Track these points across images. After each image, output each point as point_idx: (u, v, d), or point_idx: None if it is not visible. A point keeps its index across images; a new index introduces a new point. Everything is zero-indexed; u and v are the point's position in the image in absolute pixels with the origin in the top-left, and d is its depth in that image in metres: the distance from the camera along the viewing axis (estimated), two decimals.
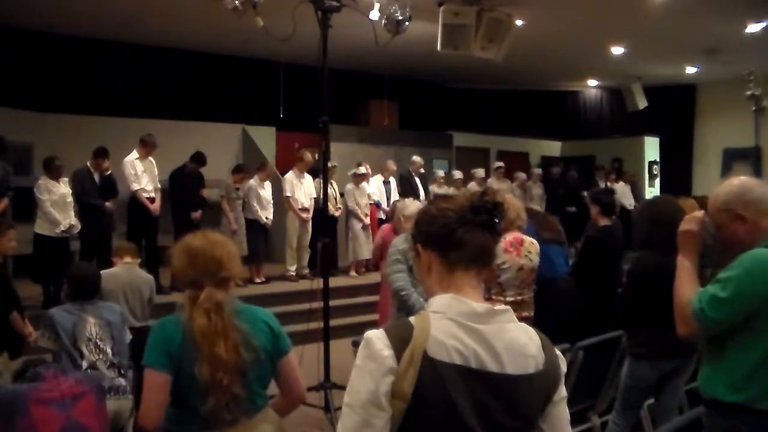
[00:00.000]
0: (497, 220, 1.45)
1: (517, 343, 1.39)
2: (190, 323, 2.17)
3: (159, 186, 7.84)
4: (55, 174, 6.92)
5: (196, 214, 7.98)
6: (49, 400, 2.29)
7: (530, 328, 1.45)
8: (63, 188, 6.99)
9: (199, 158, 8.14)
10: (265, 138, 10.90)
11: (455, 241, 1.43)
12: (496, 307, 1.41)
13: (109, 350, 3.49)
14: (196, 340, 2.14)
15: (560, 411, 1.45)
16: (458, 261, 1.44)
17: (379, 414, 1.32)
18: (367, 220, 9.32)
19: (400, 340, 1.35)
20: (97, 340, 3.46)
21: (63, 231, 6.85)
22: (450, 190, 10.80)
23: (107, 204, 7.23)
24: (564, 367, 1.47)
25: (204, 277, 2.23)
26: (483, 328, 1.37)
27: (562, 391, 1.46)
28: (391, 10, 5.91)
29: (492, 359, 1.35)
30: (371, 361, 1.34)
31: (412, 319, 1.40)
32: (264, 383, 2.30)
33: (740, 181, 2.30)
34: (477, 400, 1.34)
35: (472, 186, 11.02)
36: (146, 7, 8.18)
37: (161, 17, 8.66)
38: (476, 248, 1.43)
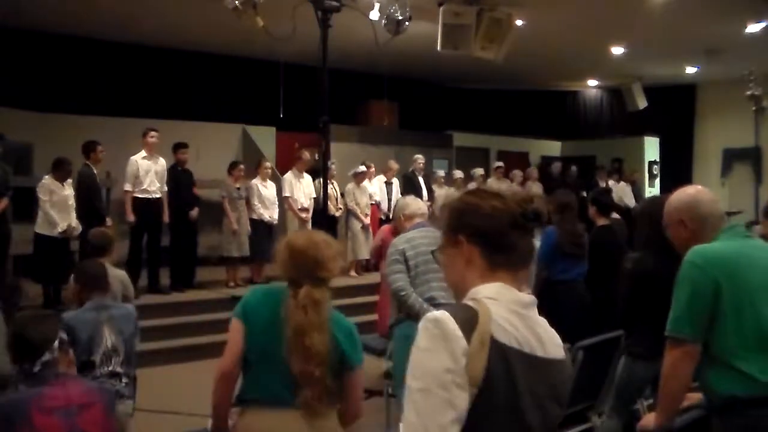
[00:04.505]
0: (536, 227, 1.50)
1: (550, 331, 1.45)
2: (287, 319, 2.32)
3: (166, 188, 7.78)
4: (61, 176, 6.91)
5: (194, 213, 7.96)
6: (52, 408, 2.20)
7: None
8: (67, 190, 6.97)
9: (179, 145, 8.04)
10: (265, 138, 10.89)
11: (506, 244, 1.45)
12: (534, 298, 1.47)
13: (119, 360, 3.43)
14: (290, 335, 2.30)
15: None
16: (504, 262, 1.46)
17: (461, 394, 1.27)
18: (367, 220, 9.31)
19: (466, 323, 1.32)
20: (111, 352, 3.40)
21: (61, 232, 6.83)
22: (451, 190, 10.80)
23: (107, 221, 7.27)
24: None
25: (302, 276, 2.37)
26: (529, 315, 1.41)
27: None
28: (391, 10, 5.91)
29: (539, 345, 1.40)
30: (446, 341, 1.30)
31: (470, 303, 1.39)
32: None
33: (695, 192, 2.54)
34: (531, 385, 1.36)
35: (473, 186, 11.04)
36: (146, 7, 8.18)
37: (161, 17, 8.66)
38: (523, 252, 1.48)
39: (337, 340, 2.38)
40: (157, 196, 7.67)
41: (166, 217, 7.73)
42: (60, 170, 6.91)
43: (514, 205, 1.46)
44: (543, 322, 1.44)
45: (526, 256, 1.49)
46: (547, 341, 1.41)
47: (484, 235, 1.45)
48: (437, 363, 1.28)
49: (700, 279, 2.30)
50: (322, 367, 2.29)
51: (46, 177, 6.96)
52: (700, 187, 2.64)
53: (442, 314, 1.33)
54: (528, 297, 1.44)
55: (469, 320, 1.32)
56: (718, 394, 2.28)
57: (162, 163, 7.77)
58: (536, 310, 1.45)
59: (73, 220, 6.97)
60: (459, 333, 1.30)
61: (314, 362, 2.28)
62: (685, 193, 2.55)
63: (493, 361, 1.31)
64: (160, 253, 7.88)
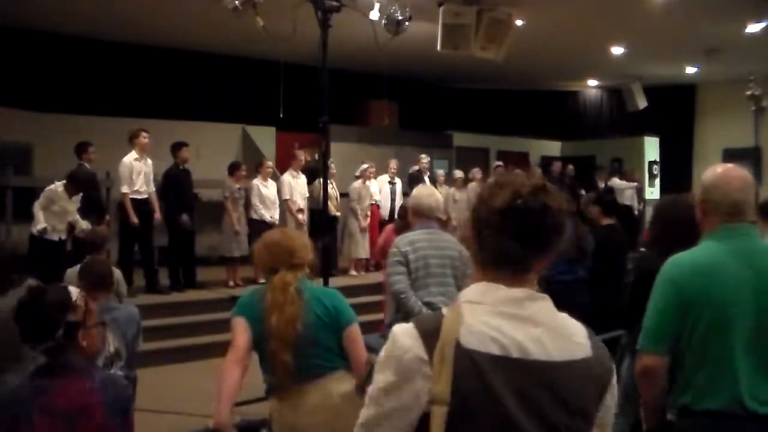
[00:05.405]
0: (535, 231, 1.29)
1: (561, 328, 1.30)
2: (261, 302, 2.65)
3: (153, 189, 7.74)
4: (71, 191, 6.88)
5: (185, 218, 7.83)
6: (54, 410, 2.04)
7: (570, 317, 1.36)
8: (71, 205, 6.93)
9: (180, 144, 7.99)
10: (265, 138, 10.89)
11: (481, 242, 1.33)
12: (536, 293, 1.31)
13: (120, 365, 3.37)
14: (267, 316, 2.61)
15: (609, 409, 1.32)
16: (486, 261, 1.33)
17: (400, 415, 1.24)
18: (366, 221, 9.32)
19: (430, 335, 1.24)
20: (113, 357, 3.34)
21: (39, 231, 6.77)
22: (451, 190, 10.81)
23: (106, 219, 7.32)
24: (613, 366, 1.34)
25: (278, 263, 2.72)
26: (523, 313, 1.27)
27: (614, 391, 1.32)
28: (391, 10, 5.92)
29: (536, 346, 1.24)
30: (395, 361, 1.25)
31: (444, 310, 1.30)
32: (325, 354, 2.66)
33: (721, 173, 2.32)
34: (525, 395, 1.22)
35: (473, 186, 11.04)
36: (146, 7, 8.18)
37: (161, 17, 8.66)
38: (497, 255, 1.31)
39: (325, 305, 2.69)
40: (146, 196, 7.64)
41: (158, 215, 7.70)
42: (73, 185, 6.87)
43: (499, 200, 1.29)
44: (549, 319, 1.29)
45: (502, 261, 1.30)
46: (548, 342, 1.26)
47: (473, 228, 1.35)
48: (380, 381, 1.26)
49: (670, 294, 2.22)
50: (280, 343, 2.57)
51: (58, 184, 6.89)
52: (733, 167, 2.36)
53: (400, 328, 1.28)
54: (521, 292, 1.28)
55: (432, 332, 1.24)
56: (674, 401, 2.26)
57: (150, 164, 7.70)
58: (545, 304, 1.31)
59: (83, 223, 6.93)
60: (413, 353, 1.23)
61: (273, 338, 2.57)
62: (713, 171, 2.35)
63: (461, 371, 1.20)
64: (153, 252, 7.88)
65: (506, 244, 1.28)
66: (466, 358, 1.21)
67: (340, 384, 2.66)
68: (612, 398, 1.32)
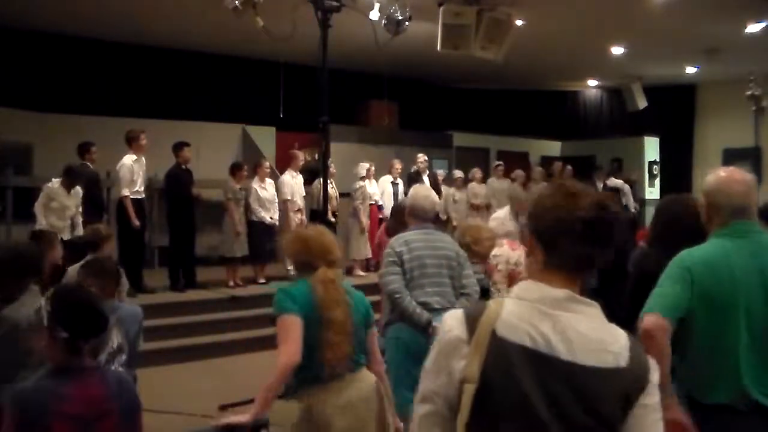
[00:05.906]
0: (608, 239, 1.41)
1: (596, 334, 1.36)
2: (313, 294, 2.68)
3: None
4: (68, 184, 6.87)
5: (198, 192, 7.95)
6: (72, 416, 2.00)
7: (618, 328, 1.41)
8: (70, 200, 6.92)
9: (182, 144, 8.00)
10: (265, 138, 10.89)
11: (554, 246, 1.41)
12: (579, 297, 1.40)
13: (122, 361, 3.33)
14: (318, 309, 2.66)
15: (643, 418, 1.33)
16: (555, 263, 1.42)
17: (440, 390, 1.39)
18: (366, 221, 9.32)
19: (471, 321, 1.39)
20: (116, 352, 3.29)
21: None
22: (451, 190, 10.82)
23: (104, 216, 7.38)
24: (656, 378, 1.38)
25: (317, 259, 2.76)
26: (559, 314, 1.36)
27: (650, 397, 1.35)
28: (391, 10, 5.92)
29: (564, 346, 1.33)
30: (438, 342, 1.42)
31: (490, 301, 1.44)
32: (360, 351, 2.80)
33: (725, 177, 2.40)
34: (547, 388, 1.31)
35: (473, 186, 11.05)
36: (146, 7, 8.18)
37: (161, 17, 8.66)
38: (573, 258, 1.41)
39: (364, 303, 2.91)
40: (142, 196, 7.65)
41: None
42: (69, 178, 6.87)
43: (576, 208, 1.39)
44: (586, 323, 1.36)
45: (576, 263, 1.41)
46: (578, 344, 1.33)
47: (538, 233, 1.44)
48: (429, 358, 1.43)
49: (681, 278, 2.28)
50: (342, 335, 2.64)
51: (55, 181, 6.88)
52: (735, 170, 2.44)
53: (449, 314, 1.44)
54: (562, 293, 1.37)
55: (475, 317, 1.38)
56: (684, 393, 2.29)
57: (144, 163, 7.70)
58: (588, 310, 1.38)
59: (79, 227, 6.92)
60: (455, 333, 1.39)
61: (335, 330, 2.63)
62: (717, 174, 2.43)
63: (492, 358, 1.33)
64: (146, 252, 7.91)
65: (583, 248, 1.39)
66: (499, 346, 1.34)
67: (369, 377, 2.80)
68: (648, 409, 1.34)
